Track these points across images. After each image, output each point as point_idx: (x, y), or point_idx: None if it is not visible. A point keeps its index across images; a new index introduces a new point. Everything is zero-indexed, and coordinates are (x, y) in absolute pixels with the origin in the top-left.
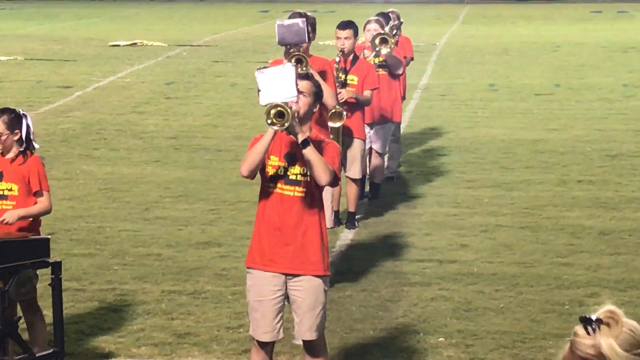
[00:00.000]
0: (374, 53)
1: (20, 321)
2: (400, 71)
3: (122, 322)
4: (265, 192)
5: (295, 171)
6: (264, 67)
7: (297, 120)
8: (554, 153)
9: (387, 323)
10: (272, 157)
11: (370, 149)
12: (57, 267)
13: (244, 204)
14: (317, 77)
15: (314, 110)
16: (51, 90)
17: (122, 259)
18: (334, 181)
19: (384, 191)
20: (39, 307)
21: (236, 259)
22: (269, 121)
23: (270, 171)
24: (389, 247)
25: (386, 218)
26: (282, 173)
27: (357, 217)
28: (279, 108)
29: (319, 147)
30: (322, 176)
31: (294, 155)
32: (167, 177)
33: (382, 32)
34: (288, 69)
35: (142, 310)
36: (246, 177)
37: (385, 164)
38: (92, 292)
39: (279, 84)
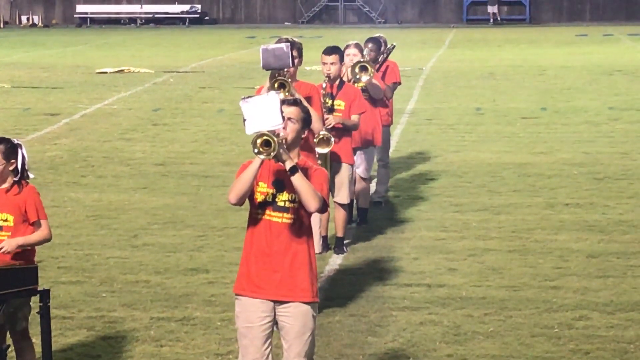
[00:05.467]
0: (352, 80)
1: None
2: (380, 96)
3: (111, 349)
4: (254, 219)
5: (283, 198)
6: (249, 97)
7: (284, 147)
8: (541, 176)
9: (376, 348)
10: (260, 183)
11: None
12: (45, 295)
13: (232, 230)
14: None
15: (302, 136)
16: (38, 118)
17: (111, 286)
18: (323, 208)
19: (372, 216)
20: (29, 337)
21: (225, 285)
22: (256, 150)
23: (259, 198)
24: (378, 271)
25: (374, 243)
26: (270, 200)
27: (345, 242)
28: (265, 137)
29: (307, 173)
30: (311, 203)
31: (282, 182)
32: (155, 203)
33: (362, 60)
34: (272, 97)
35: (130, 338)
36: (234, 205)
37: (373, 188)
38: (80, 320)
39: (264, 113)
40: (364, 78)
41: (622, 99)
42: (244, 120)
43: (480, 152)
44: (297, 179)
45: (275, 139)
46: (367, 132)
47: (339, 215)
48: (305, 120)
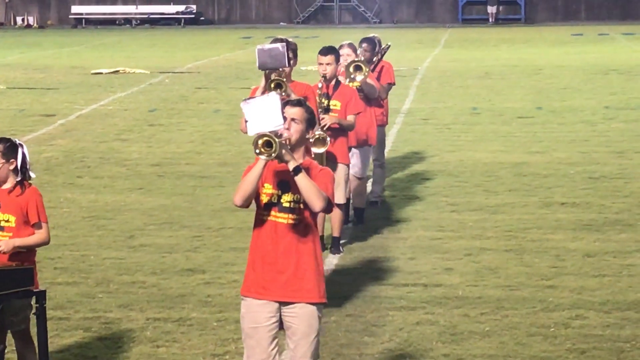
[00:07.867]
0: (347, 80)
1: (8, 349)
2: (374, 96)
3: (107, 350)
4: (260, 220)
5: (288, 199)
6: (249, 98)
7: (287, 147)
8: (537, 176)
9: (373, 348)
10: (266, 185)
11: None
12: (41, 296)
13: (229, 230)
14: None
15: (307, 136)
16: (34, 119)
17: (107, 287)
18: (328, 207)
19: (368, 216)
20: (31, 338)
21: (221, 285)
22: (257, 151)
23: (264, 199)
24: (374, 271)
25: (371, 243)
26: (275, 201)
27: (341, 242)
28: (266, 137)
29: (312, 173)
30: (315, 203)
31: (287, 183)
32: (151, 204)
33: (356, 59)
34: (272, 98)
35: (127, 339)
36: (240, 207)
37: (369, 188)
38: (76, 321)
39: (265, 114)
40: (359, 77)
41: (618, 98)
42: (246, 121)
43: (476, 151)
44: (301, 179)
45: (277, 139)
46: (362, 131)
47: (335, 215)
48: (310, 121)
